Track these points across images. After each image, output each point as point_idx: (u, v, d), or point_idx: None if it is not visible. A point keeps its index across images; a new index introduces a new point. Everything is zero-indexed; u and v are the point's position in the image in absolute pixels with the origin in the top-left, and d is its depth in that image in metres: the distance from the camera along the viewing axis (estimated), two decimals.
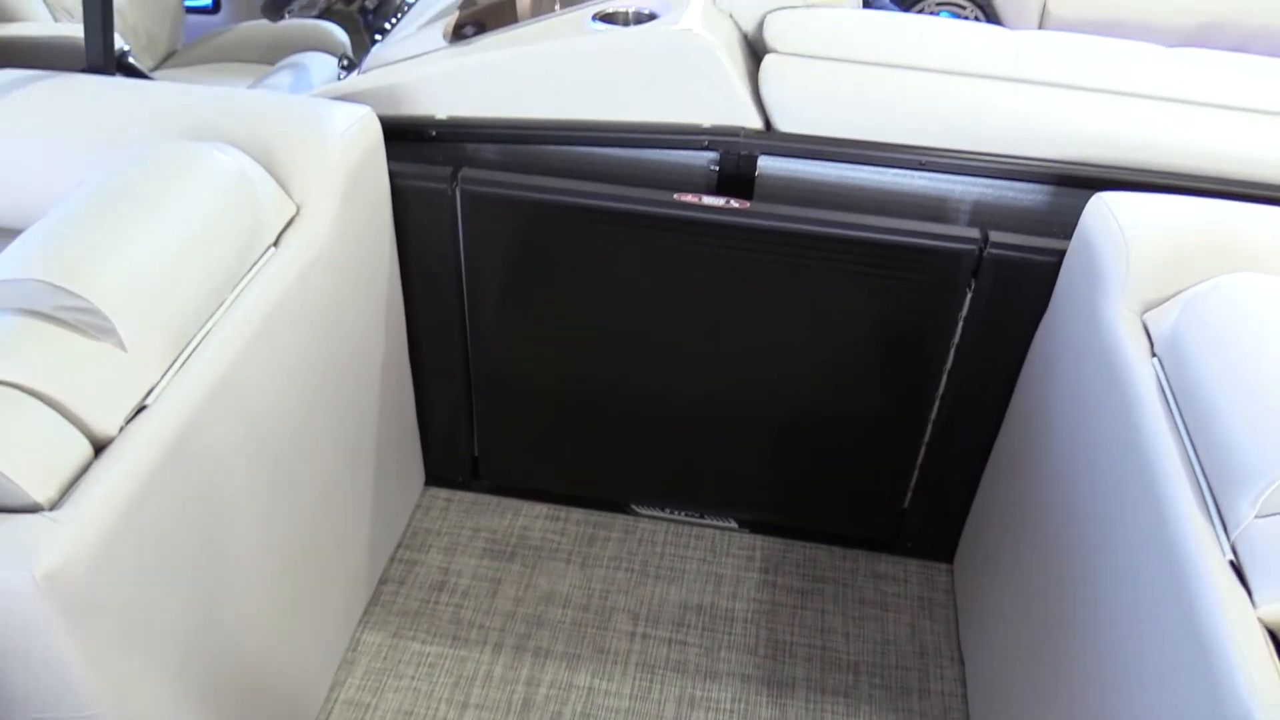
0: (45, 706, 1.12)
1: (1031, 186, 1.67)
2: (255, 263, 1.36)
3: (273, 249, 1.40)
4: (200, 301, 1.25)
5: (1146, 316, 1.33)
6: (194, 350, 1.23)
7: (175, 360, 1.21)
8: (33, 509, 1.03)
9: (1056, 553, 1.40)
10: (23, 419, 1.05)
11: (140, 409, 1.15)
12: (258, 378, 1.33)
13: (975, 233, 1.58)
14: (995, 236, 1.57)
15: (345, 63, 2.18)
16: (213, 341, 1.25)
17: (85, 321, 1.13)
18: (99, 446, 1.12)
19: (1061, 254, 1.55)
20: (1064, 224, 1.69)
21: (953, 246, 1.57)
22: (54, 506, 1.04)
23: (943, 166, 1.66)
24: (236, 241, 1.32)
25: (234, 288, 1.32)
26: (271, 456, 1.40)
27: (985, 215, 1.70)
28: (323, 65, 2.71)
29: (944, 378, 1.72)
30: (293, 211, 1.46)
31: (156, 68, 2.99)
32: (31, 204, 1.58)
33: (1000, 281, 1.59)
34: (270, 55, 2.98)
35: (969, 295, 1.62)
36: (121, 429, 1.13)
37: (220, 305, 1.29)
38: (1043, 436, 1.51)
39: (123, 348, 1.14)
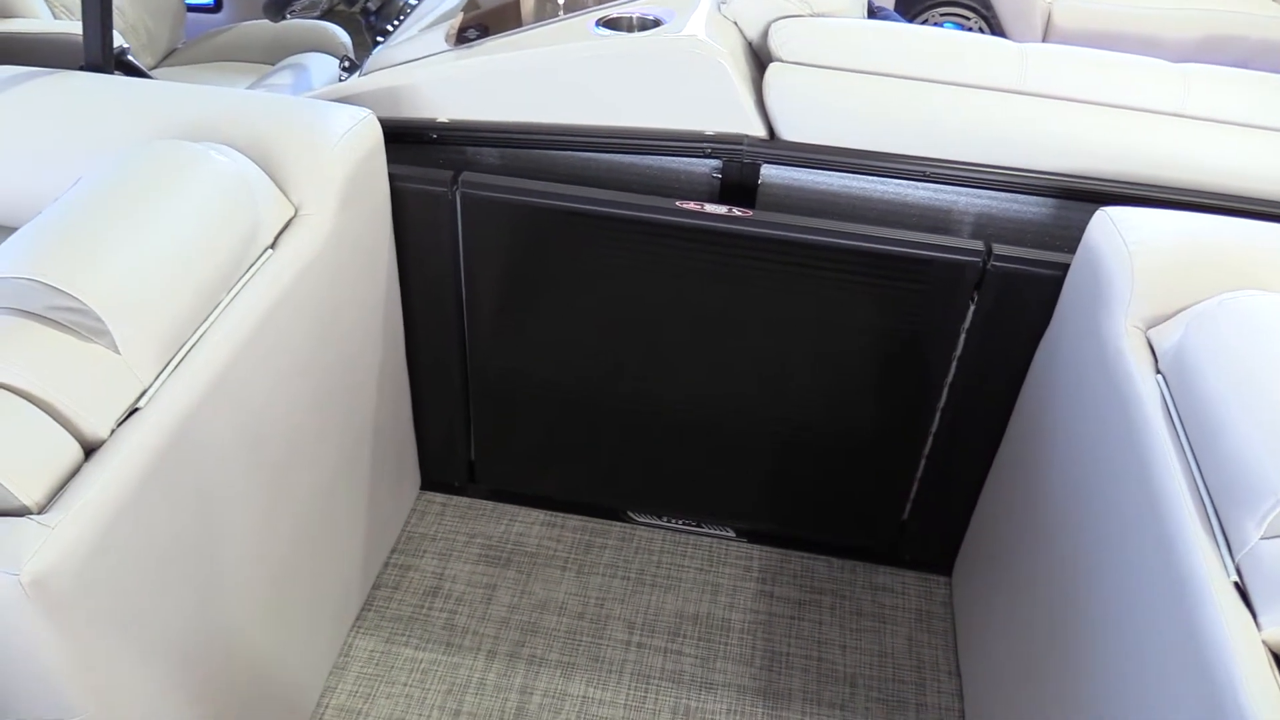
0: (32, 710, 1.10)
1: (1035, 199, 1.66)
2: (252, 264, 1.35)
3: (270, 251, 1.38)
4: (195, 303, 1.23)
5: (1151, 333, 1.32)
6: (188, 353, 1.21)
7: (169, 363, 1.19)
8: (20, 512, 1.02)
9: (1057, 569, 1.39)
10: (12, 421, 1.04)
11: (132, 411, 1.14)
12: (253, 381, 1.32)
13: (979, 245, 1.57)
14: (999, 249, 1.56)
15: (346, 64, 2.17)
16: (207, 344, 1.23)
17: (78, 322, 1.12)
18: (89, 449, 1.10)
19: (1065, 268, 1.54)
20: (1067, 238, 1.68)
21: (956, 258, 1.56)
22: (42, 510, 1.03)
23: (946, 178, 1.65)
24: (233, 243, 1.30)
25: (230, 289, 1.30)
26: (266, 460, 1.38)
27: (989, 228, 1.69)
28: (323, 66, 2.70)
29: (945, 390, 1.71)
30: (291, 213, 1.45)
31: (156, 66, 2.97)
32: (25, 202, 1.56)
33: (1003, 294, 1.58)
34: (271, 55, 2.97)
35: (971, 308, 1.60)
36: (113, 432, 1.11)
37: (216, 307, 1.28)
38: (1044, 451, 1.50)
39: (115, 349, 1.13)
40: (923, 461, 1.80)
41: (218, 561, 1.29)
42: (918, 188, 1.68)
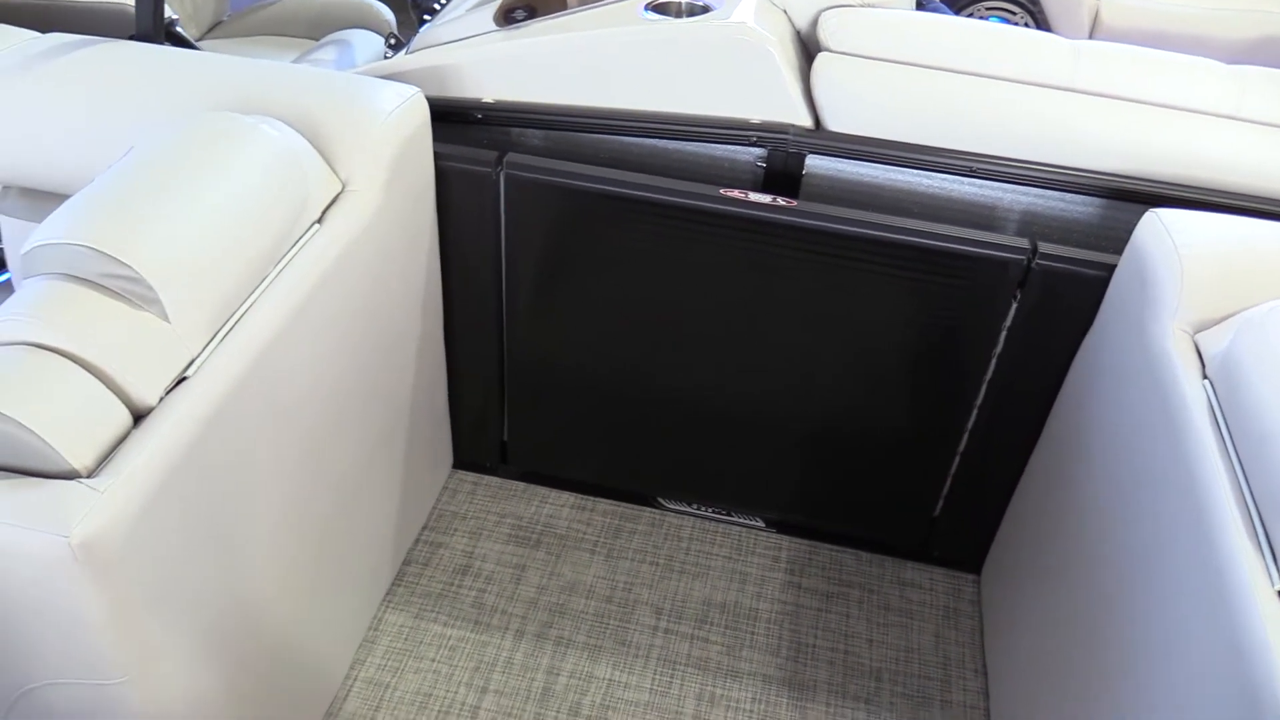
0: (73, 672, 1.12)
1: (1082, 199, 1.65)
2: (299, 239, 1.36)
3: (317, 225, 1.39)
4: (244, 275, 1.24)
5: (1198, 337, 1.30)
6: (236, 324, 1.23)
7: (217, 333, 1.21)
8: (70, 475, 1.03)
9: (1092, 572, 1.38)
10: (64, 386, 1.05)
11: (180, 380, 1.15)
12: (296, 354, 1.33)
13: (1024, 242, 1.55)
14: (1044, 247, 1.55)
15: (392, 41, 2.18)
16: (254, 316, 1.24)
17: (129, 290, 1.13)
18: (138, 416, 1.11)
19: (1111, 268, 1.52)
20: (1113, 238, 1.66)
21: (1001, 255, 1.55)
22: (91, 474, 1.04)
23: (993, 174, 1.64)
24: (282, 216, 1.31)
25: (277, 263, 1.31)
26: (304, 433, 1.39)
27: (1033, 225, 1.68)
28: (367, 43, 2.71)
29: (983, 387, 1.70)
30: (338, 189, 1.46)
31: (201, 38, 2.99)
32: (76, 169, 1.58)
33: (1047, 293, 1.56)
34: (315, 31, 2.98)
35: (1014, 305, 1.59)
36: (161, 399, 1.13)
37: (263, 280, 1.29)
38: (1083, 453, 1.49)
39: (166, 318, 1.14)
40: (957, 458, 1.80)
41: (255, 532, 1.31)
42: (963, 183, 1.67)
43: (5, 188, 1.70)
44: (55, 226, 1.14)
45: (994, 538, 1.88)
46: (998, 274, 1.57)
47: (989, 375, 1.68)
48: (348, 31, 2.78)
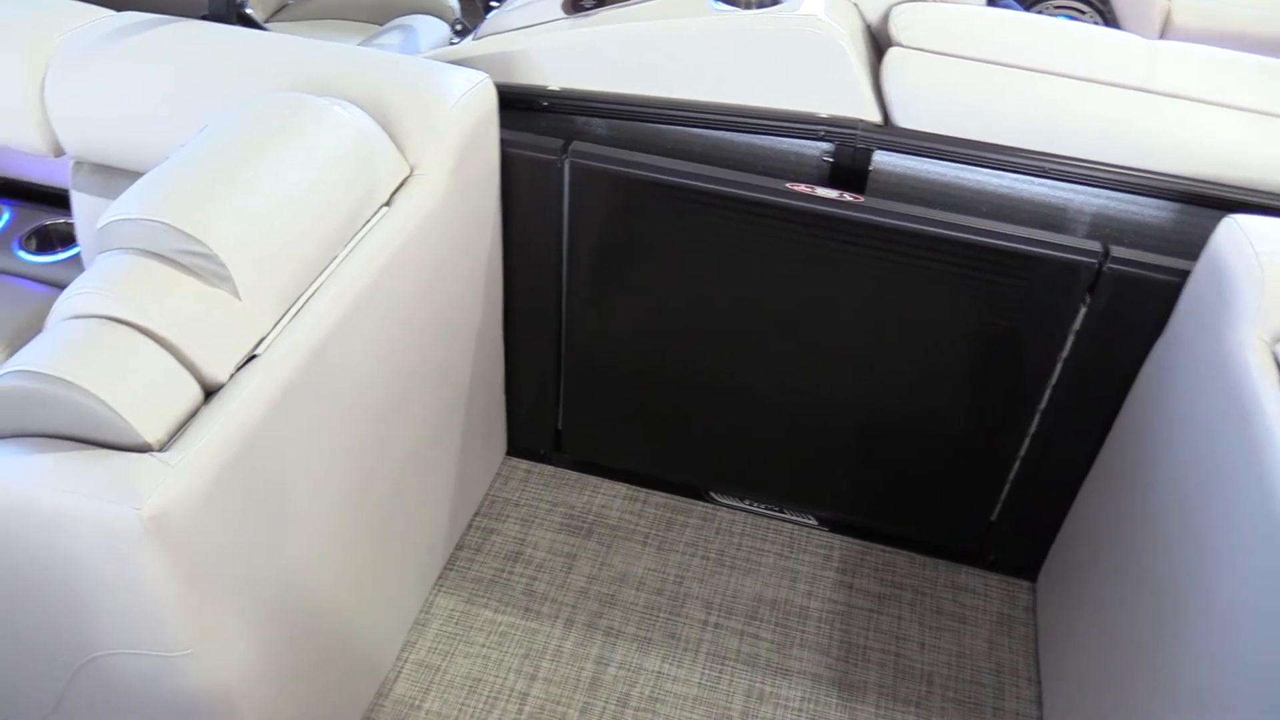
0: (137, 643, 1.14)
1: (1156, 202, 1.61)
2: (368, 221, 1.36)
3: (385, 208, 1.40)
4: (314, 255, 1.25)
5: (1278, 347, 1.27)
6: (305, 303, 1.23)
7: (286, 312, 1.21)
8: (142, 449, 1.05)
9: (1157, 585, 1.35)
10: (138, 360, 1.07)
11: (250, 358, 1.16)
12: (362, 336, 1.33)
13: (1096, 245, 1.52)
14: (1117, 251, 1.52)
15: (459, 27, 2.18)
16: (323, 296, 1.25)
17: (203, 267, 1.14)
18: (208, 392, 1.12)
19: (1185, 274, 1.49)
20: (1187, 244, 1.63)
21: (1072, 258, 1.52)
22: (163, 448, 1.05)
23: (1065, 175, 1.61)
24: (352, 198, 1.32)
25: (346, 244, 1.32)
26: (367, 415, 1.40)
27: (1105, 228, 1.65)
28: (431, 28, 2.72)
29: (1048, 391, 1.67)
30: (406, 172, 1.46)
31: (267, 21, 3.02)
32: (149, 147, 1.60)
33: (1118, 298, 1.53)
34: (378, 15, 2.99)
35: (1083, 309, 1.56)
36: (231, 376, 1.14)
37: (332, 260, 1.30)
38: (1150, 462, 1.46)
39: (237, 296, 1.15)
40: (1017, 462, 1.77)
41: (316, 511, 1.32)
42: (1033, 183, 1.64)
43: (78, 163, 1.72)
44: (131, 202, 1.15)
45: (1052, 545, 1.85)
46: (1068, 277, 1.54)
47: (1054, 379, 1.65)
48: (411, 16, 2.79)
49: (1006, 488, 1.81)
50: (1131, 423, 1.57)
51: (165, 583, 1.06)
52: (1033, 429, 1.72)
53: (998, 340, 1.64)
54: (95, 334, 1.07)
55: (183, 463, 1.03)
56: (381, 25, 2.91)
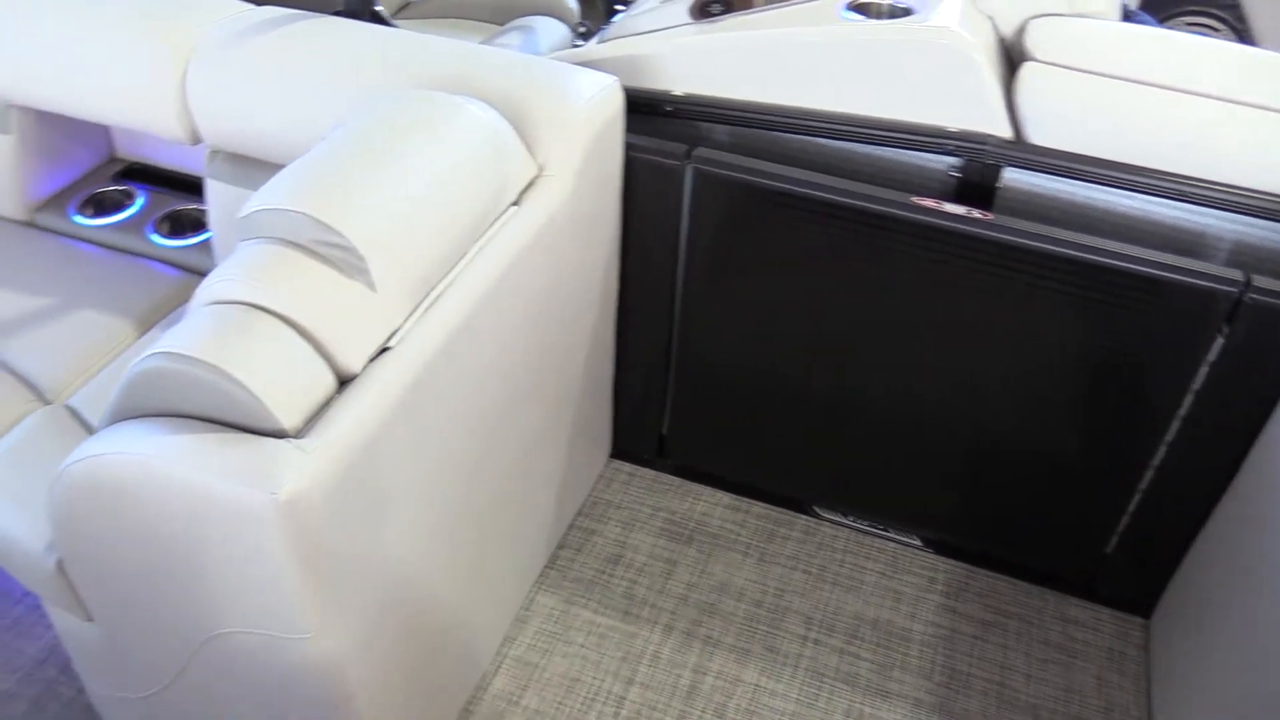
0: (263, 623, 1.16)
1: None
2: (497, 219, 1.38)
3: (514, 207, 1.41)
4: (446, 251, 1.26)
5: None
6: (436, 299, 1.25)
7: (417, 306, 1.23)
8: (279, 434, 1.07)
9: None
10: (277, 347, 1.09)
11: (383, 350, 1.18)
12: (485, 333, 1.35)
13: (1237, 274, 1.47)
14: (1259, 281, 1.46)
15: (582, 29, 2.19)
16: (453, 293, 1.27)
17: (341, 259, 1.16)
18: (342, 381, 1.14)
19: None
20: None
21: (1210, 286, 1.46)
22: (298, 434, 1.07)
23: (1204, 199, 1.55)
24: (483, 196, 1.33)
25: (477, 241, 1.34)
26: (483, 411, 1.41)
27: (1243, 256, 1.58)
28: (551, 30, 2.74)
29: (1175, 422, 1.61)
30: (535, 172, 1.47)
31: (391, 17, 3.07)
32: (285, 138, 1.64)
33: (1259, 329, 1.47)
34: (499, 15, 3.03)
35: (1220, 340, 1.50)
36: (364, 367, 1.16)
37: (462, 257, 1.31)
38: None
39: (373, 288, 1.17)
40: (1138, 494, 1.71)
41: (433, 503, 1.33)
42: (1168, 206, 1.59)
43: (214, 152, 1.78)
44: (275, 192, 1.18)
45: (1170, 581, 1.78)
46: (1204, 305, 1.48)
47: (1183, 410, 1.59)
48: (531, 18, 2.82)
49: (1125, 520, 1.75)
50: (1267, 459, 1.50)
51: (293, 567, 1.08)
52: (1157, 460, 1.66)
53: (1124, 367, 1.58)
54: (238, 320, 1.09)
55: (318, 450, 1.05)
56: (501, 25, 2.94)
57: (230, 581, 1.13)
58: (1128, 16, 2.34)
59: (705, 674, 1.72)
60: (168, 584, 1.19)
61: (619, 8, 2.10)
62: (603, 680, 1.70)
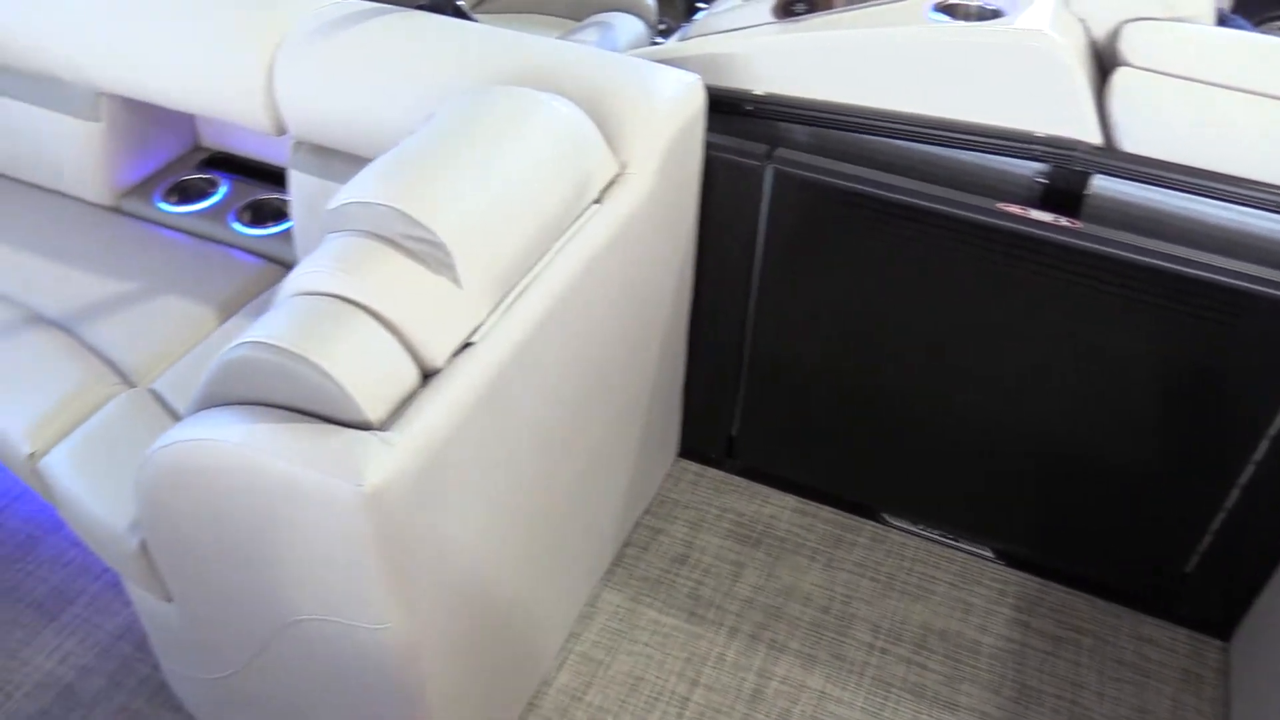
0: (342, 612, 1.18)
1: None
2: (579, 217, 1.37)
3: (596, 205, 1.41)
4: (530, 248, 1.27)
5: None
6: (519, 296, 1.25)
7: (500, 302, 1.24)
8: (363, 426, 1.08)
9: None
10: (364, 339, 1.10)
11: (466, 345, 1.18)
12: (564, 330, 1.35)
13: None
14: None
15: (662, 27, 2.19)
16: (535, 290, 1.27)
17: (427, 253, 1.17)
18: (425, 375, 1.15)
19: None
20: None
21: None
22: (382, 426, 1.08)
23: None
24: (566, 193, 1.33)
25: (558, 238, 1.34)
26: (558, 408, 1.41)
27: None
28: (628, 26, 2.73)
29: (1265, 441, 1.56)
30: (616, 170, 1.47)
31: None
32: (369, 131, 1.65)
33: None
34: (576, 11, 3.03)
35: None
36: (447, 362, 1.16)
37: (545, 254, 1.31)
38: None
39: (458, 284, 1.17)
40: (1222, 513, 1.66)
41: (509, 498, 1.34)
42: (1264, 218, 1.54)
43: (298, 143, 1.80)
44: (364, 186, 1.19)
45: (1253, 604, 1.73)
46: None
47: (1274, 429, 1.55)
48: (608, 14, 2.81)
49: (1207, 538, 1.70)
50: None
51: (374, 558, 1.09)
52: (1244, 479, 1.62)
53: (1211, 382, 1.54)
54: (326, 312, 1.11)
55: (401, 443, 1.06)
56: (579, 21, 2.94)
57: (311, 570, 1.15)
58: (1222, 20, 2.28)
59: (770, 678, 1.71)
60: (248, 569, 1.21)
61: (700, 6, 2.09)
62: (666, 680, 1.70)
